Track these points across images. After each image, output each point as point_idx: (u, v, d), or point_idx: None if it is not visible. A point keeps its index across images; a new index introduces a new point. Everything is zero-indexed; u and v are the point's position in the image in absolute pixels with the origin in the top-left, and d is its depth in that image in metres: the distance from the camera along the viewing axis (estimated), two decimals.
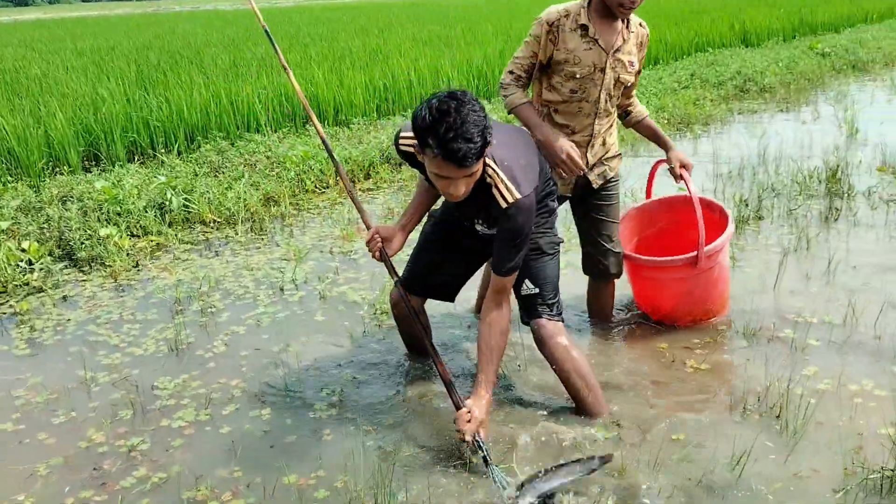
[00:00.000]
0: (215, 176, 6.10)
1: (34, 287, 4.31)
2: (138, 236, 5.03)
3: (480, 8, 24.04)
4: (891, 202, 4.98)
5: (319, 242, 4.88)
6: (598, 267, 3.36)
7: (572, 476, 2.38)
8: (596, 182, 3.20)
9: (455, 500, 2.39)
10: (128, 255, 4.72)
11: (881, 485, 2.32)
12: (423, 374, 3.20)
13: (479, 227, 2.67)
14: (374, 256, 2.87)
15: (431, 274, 2.98)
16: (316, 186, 6.03)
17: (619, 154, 3.28)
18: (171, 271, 4.48)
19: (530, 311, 2.77)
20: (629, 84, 3.07)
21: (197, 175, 6.00)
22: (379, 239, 2.83)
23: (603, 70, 2.96)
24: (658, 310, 3.50)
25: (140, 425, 2.94)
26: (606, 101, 3.04)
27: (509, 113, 3.10)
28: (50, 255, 4.66)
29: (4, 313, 4.00)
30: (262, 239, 5.04)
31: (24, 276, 4.38)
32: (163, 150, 6.89)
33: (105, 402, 3.12)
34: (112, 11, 48.11)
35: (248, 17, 24.97)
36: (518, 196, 2.40)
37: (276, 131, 7.50)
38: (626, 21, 2.97)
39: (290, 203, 5.64)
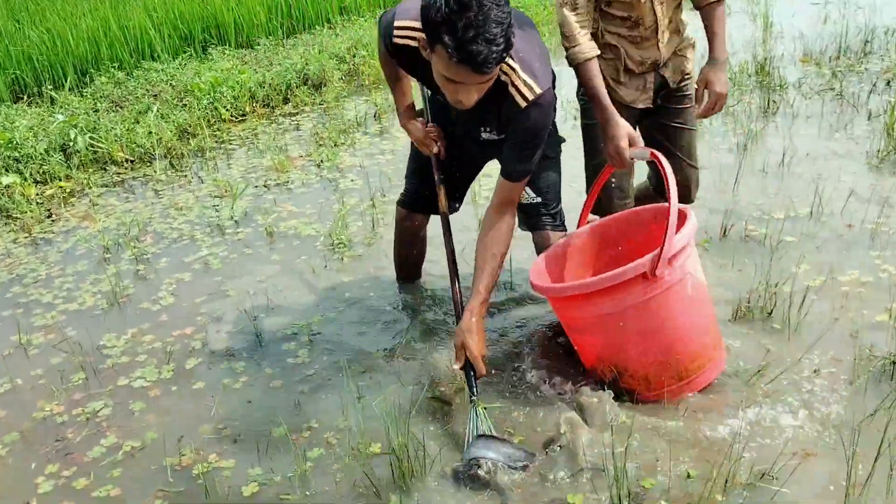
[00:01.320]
0: (118, 110, 5.58)
1: None
2: (44, 183, 4.56)
3: None
4: (821, 92, 5.02)
5: (249, 175, 4.54)
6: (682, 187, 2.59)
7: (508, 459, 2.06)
8: (673, 79, 2.58)
9: (451, 439, 2.25)
10: (38, 204, 4.27)
11: (892, 371, 2.32)
12: (402, 302, 3.01)
13: (484, 135, 2.37)
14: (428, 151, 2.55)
15: (430, 187, 2.64)
16: (233, 115, 5.61)
17: (693, 41, 2.62)
18: (91, 219, 4.07)
19: (532, 221, 2.57)
20: None
21: (98, 111, 5.48)
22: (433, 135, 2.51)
23: None
24: (615, 368, 2.28)
25: (96, 388, 2.66)
26: None
27: (573, 66, 2.41)
28: None
29: None
30: (184, 175, 4.65)
31: None
32: (51, 87, 6.25)
33: (50, 366, 2.81)
34: None
35: None
36: (538, 91, 2.10)
37: (175, 58, 6.92)
38: None
39: (208, 134, 5.22)
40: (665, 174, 2.18)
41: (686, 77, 2.62)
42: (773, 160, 3.97)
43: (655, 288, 2.11)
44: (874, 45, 6.02)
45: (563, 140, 2.58)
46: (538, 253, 2.58)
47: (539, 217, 2.56)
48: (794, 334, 2.56)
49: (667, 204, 2.29)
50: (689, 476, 2.02)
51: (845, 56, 5.83)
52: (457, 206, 2.80)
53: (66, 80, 6.34)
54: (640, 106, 2.58)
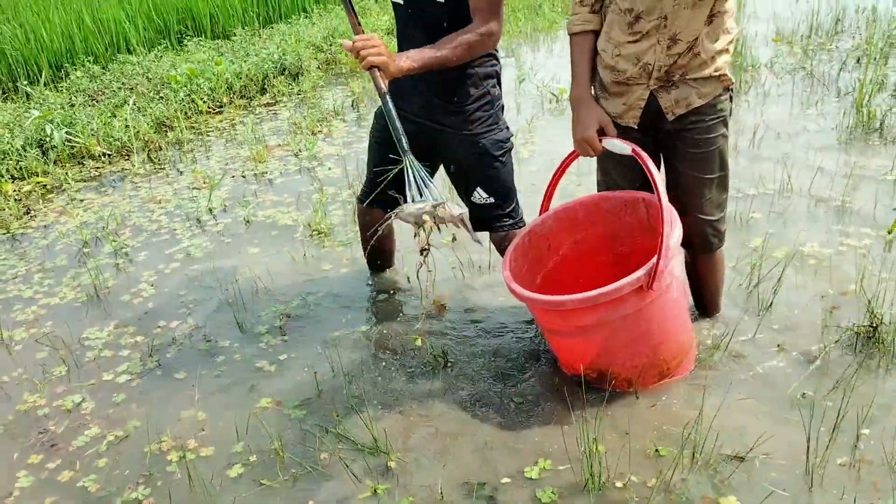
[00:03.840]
0: (94, 104, 5.57)
1: None
2: (22, 179, 4.55)
3: None
4: (793, 71, 5.09)
5: (228, 166, 4.56)
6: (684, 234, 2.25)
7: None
8: (672, 111, 2.18)
9: (421, 405, 2.32)
10: (15, 201, 4.27)
11: (855, 341, 2.39)
12: (377, 289, 3.06)
13: None
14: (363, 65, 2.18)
15: (385, 180, 2.62)
16: (210, 107, 5.61)
17: (724, 79, 2.18)
18: (70, 214, 4.08)
19: (490, 223, 2.58)
20: None
21: (74, 105, 5.47)
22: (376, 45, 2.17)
23: None
24: (604, 372, 2.28)
25: (78, 381, 2.68)
26: None
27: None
28: None
29: None
30: (163, 168, 4.66)
31: None
32: (26, 83, 6.22)
33: (32, 361, 2.83)
34: None
35: None
36: None
37: (150, 50, 6.91)
38: None
39: (186, 127, 5.23)
40: (650, 176, 2.09)
41: (694, 118, 2.19)
42: (744, 138, 4.04)
43: (648, 297, 2.09)
44: (845, 24, 6.11)
45: (512, 135, 2.56)
46: (501, 254, 2.59)
47: (496, 218, 2.56)
48: (763, 311, 2.63)
49: (642, 193, 2.32)
50: (657, 452, 2.08)
51: (816, 35, 5.91)
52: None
53: (40, 76, 6.31)
54: (628, 123, 2.25)
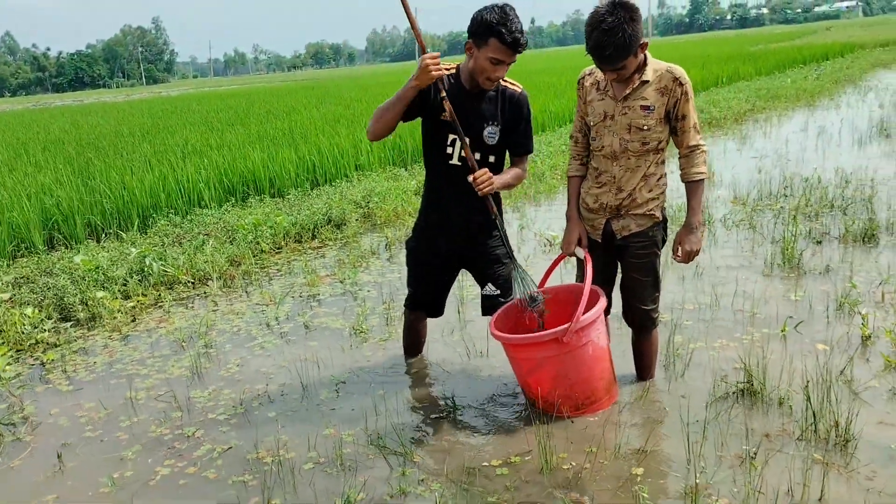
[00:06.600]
0: (179, 245, 6.92)
1: (49, 343, 5.03)
2: (126, 298, 5.80)
3: (369, 89, 25.44)
4: (739, 223, 6.35)
5: (288, 290, 5.79)
6: (626, 316, 3.55)
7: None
8: (619, 233, 3.31)
9: (435, 428, 3.38)
10: (123, 314, 5.49)
11: (735, 395, 3.48)
12: (406, 368, 4.18)
13: (487, 132, 3.34)
14: (433, 74, 3.15)
15: (425, 288, 3.83)
16: (271, 248, 6.94)
17: (654, 216, 3.29)
18: (168, 321, 5.29)
19: (493, 309, 3.68)
20: (645, 127, 3.12)
21: (164, 245, 6.82)
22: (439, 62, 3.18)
23: (612, 117, 3.17)
24: (537, 394, 3.39)
25: (191, 419, 3.77)
26: (621, 145, 3.17)
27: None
28: (48, 318, 5.37)
29: (33, 364, 4.71)
30: (236, 292, 5.90)
31: (38, 335, 5.10)
32: (117, 229, 7.65)
33: (155, 409, 3.93)
34: None
35: (144, 107, 25.53)
36: (522, 87, 3.43)
37: (220, 206, 8.37)
38: (641, 71, 3.10)
39: (253, 262, 6.52)
40: (585, 273, 3.26)
41: (637, 240, 3.30)
42: (690, 272, 5.23)
43: (565, 348, 3.17)
44: (792, 189, 7.42)
45: (512, 249, 3.74)
46: None
47: (497, 307, 3.65)
48: (676, 378, 3.73)
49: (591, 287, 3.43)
50: (592, 450, 3.13)
51: (767, 198, 7.21)
52: (441, 309, 3.95)
53: (131, 224, 7.75)
54: (595, 237, 3.39)
